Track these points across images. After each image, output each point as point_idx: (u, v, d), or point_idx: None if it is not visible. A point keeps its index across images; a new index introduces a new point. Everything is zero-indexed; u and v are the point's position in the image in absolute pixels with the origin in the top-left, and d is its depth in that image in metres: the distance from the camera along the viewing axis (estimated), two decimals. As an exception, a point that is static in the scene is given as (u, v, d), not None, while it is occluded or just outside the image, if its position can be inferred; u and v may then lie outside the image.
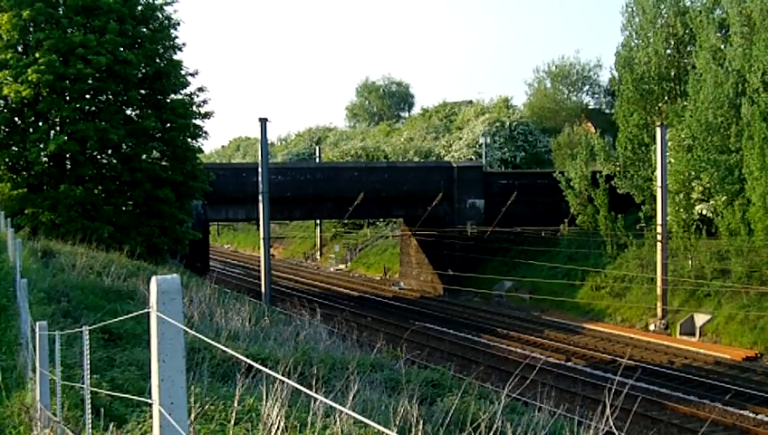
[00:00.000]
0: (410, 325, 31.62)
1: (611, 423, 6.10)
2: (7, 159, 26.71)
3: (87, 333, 5.20)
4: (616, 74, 41.44)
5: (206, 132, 29.74)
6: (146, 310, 3.09)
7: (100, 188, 27.14)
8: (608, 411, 5.78)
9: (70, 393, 6.88)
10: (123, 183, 27.38)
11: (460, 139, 58.68)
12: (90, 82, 26.25)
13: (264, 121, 34.64)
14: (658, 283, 32.12)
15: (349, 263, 60.33)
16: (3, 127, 26.72)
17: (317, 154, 65.96)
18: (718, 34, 35.49)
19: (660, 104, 38.79)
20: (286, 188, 40.90)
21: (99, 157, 27.80)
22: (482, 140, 54.67)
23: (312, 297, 35.20)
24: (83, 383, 5.44)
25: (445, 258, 43.81)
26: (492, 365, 25.87)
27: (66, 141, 25.45)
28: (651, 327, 32.03)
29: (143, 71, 28.01)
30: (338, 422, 5.77)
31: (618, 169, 38.78)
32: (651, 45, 38.88)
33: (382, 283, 51.51)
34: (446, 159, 55.64)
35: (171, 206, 27.59)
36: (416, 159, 58.25)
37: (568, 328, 33.51)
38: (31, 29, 26.33)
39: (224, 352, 8.39)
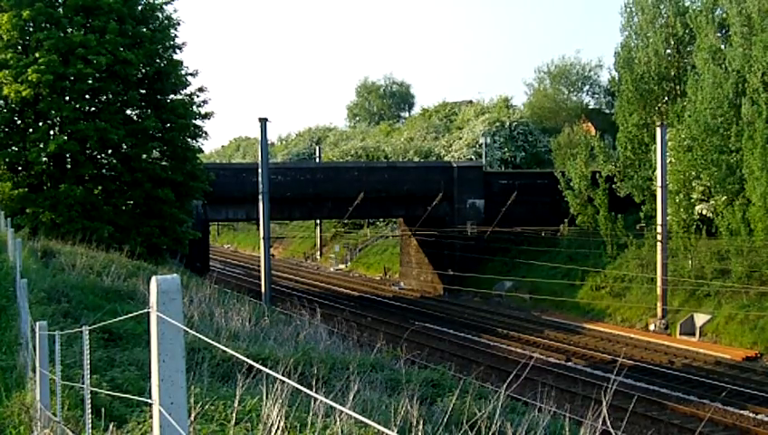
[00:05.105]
0: (410, 325, 31.60)
1: (608, 423, 6.09)
2: (7, 159, 26.70)
3: (87, 333, 5.21)
4: (616, 74, 41.43)
5: (206, 132, 29.81)
6: (146, 310, 3.09)
7: (100, 188, 27.16)
8: (604, 411, 5.76)
9: (70, 393, 6.88)
10: (123, 183, 27.40)
11: (460, 139, 58.65)
12: (90, 82, 26.27)
13: (263, 121, 34.63)
14: (658, 283, 32.11)
15: (349, 263, 60.31)
16: (3, 127, 26.72)
17: (317, 154, 65.91)
18: (718, 34, 35.49)
19: (660, 104, 38.78)
20: (286, 188, 40.90)
21: (99, 157, 27.82)
22: (482, 140, 54.65)
23: (312, 297, 35.16)
24: (83, 383, 5.43)
25: (445, 258, 43.82)
26: (492, 365, 25.87)
27: (66, 141, 25.49)
28: (651, 327, 32.02)
29: (143, 71, 28.03)
30: (338, 422, 5.76)
31: (617, 169, 38.76)
32: (651, 45, 38.88)
33: (382, 283, 51.50)
34: (446, 159, 55.59)
35: (171, 206, 27.60)
36: (416, 159, 58.21)
37: (568, 328, 33.52)
38: (31, 29, 26.33)
39: (224, 352, 8.39)
